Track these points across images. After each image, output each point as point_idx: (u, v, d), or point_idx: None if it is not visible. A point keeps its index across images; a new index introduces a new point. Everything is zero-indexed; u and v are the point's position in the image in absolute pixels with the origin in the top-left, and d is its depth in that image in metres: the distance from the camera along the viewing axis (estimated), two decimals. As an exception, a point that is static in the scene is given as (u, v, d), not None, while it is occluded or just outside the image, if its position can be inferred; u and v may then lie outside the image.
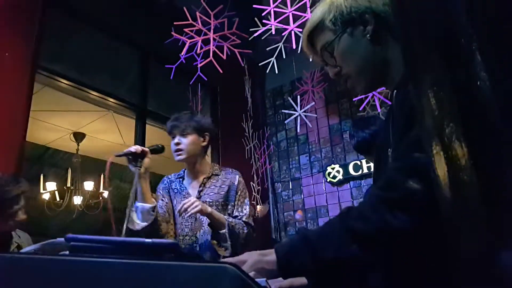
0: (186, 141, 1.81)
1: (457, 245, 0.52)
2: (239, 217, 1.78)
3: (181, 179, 1.93)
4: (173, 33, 2.90)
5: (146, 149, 1.67)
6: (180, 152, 1.80)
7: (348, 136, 3.95)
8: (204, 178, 1.87)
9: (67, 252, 0.50)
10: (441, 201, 0.54)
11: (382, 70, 0.85)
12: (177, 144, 1.81)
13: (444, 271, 0.66)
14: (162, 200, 1.86)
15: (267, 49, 2.74)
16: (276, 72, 2.67)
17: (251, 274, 0.64)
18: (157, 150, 1.74)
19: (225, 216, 1.73)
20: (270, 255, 0.70)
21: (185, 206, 1.62)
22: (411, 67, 0.50)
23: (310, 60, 2.54)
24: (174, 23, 2.90)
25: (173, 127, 1.84)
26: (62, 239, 0.50)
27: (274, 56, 2.69)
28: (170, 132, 1.86)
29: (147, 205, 1.65)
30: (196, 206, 1.61)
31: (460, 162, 0.47)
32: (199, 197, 1.78)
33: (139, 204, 1.66)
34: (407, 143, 0.71)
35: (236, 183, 1.85)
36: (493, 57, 0.43)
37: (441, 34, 0.46)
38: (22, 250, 0.53)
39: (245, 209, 1.81)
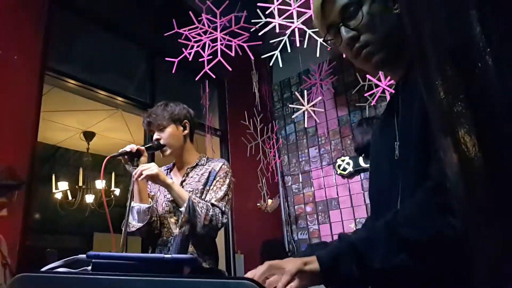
0: (166, 135, 1.72)
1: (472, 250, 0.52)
2: (209, 199, 1.66)
3: (169, 171, 1.87)
4: (180, 40, 2.88)
5: (142, 148, 1.63)
6: (163, 148, 1.72)
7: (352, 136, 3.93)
8: (188, 168, 1.79)
9: (89, 268, 0.50)
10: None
11: (400, 46, 0.83)
12: (157, 140, 1.72)
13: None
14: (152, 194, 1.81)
15: (271, 41, 2.71)
16: (280, 65, 2.65)
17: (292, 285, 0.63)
18: (154, 147, 1.69)
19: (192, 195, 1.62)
20: (312, 263, 0.68)
21: (141, 169, 1.55)
22: (424, 76, 0.49)
23: (317, 55, 2.53)
24: (182, 29, 2.88)
25: (149, 124, 1.76)
26: (84, 255, 0.51)
27: (278, 50, 2.66)
28: (148, 130, 1.78)
29: (144, 205, 1.62)
30: (152, 170, 1.54)
31: (476, 171, 0.47)
32: (182, 187, 1.70)
33: (135, 204, 1.62)
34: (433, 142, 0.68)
35: (217, 170, 1.73)
36: (506, 66, 0.42)
37: (454, 43, 0.45)
38: (44, 268, 0.53)
39: (218, 194, 1.67)
